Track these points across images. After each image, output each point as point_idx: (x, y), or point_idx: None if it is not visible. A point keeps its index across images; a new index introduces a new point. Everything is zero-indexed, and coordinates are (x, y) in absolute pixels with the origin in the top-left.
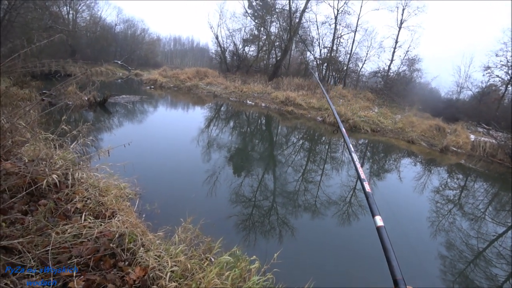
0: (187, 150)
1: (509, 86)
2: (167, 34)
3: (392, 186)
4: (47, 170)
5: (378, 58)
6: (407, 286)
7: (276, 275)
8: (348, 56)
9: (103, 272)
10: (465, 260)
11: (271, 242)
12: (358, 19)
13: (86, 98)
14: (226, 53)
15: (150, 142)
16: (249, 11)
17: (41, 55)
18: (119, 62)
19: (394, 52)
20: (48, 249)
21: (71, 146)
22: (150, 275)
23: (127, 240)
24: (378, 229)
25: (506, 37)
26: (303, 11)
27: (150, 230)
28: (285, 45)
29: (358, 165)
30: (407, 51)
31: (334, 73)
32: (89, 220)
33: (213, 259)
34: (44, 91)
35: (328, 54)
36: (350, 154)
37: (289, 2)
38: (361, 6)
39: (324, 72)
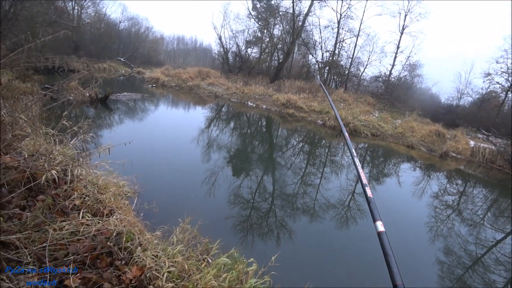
0: (187, 150)
1: (509, 93)
2: (171, 33)
3: (391, 191)
4: (46, 165)
5: (380, 63)
6: None
7: (273, 278)
8: (350, 60)
9: (100, 271)
10: (463, 266)
11: (269, 245)
12: (361, 23)
13: (88, 94)
14: (229, 54)
15: (150, 141)
16: (253, 13)
17: (45, 50)
18: (122, 59)
19: (395, 57)
20: (45, 246)
21: (71, 142)
22: (147, 275)
23: (124, 239)
24: (379, 234)
25: (506, 44)
26: (307, 14)
27: (148, 229)
28: (288, 48)
29: (361, 170)
30: (409, 57)
31: (335, 77)
32: (87, 218)
33: (210, 261)
34: (46, 86)
35: (330, 58)
36: (353, 159)
37: (293, 5)
38: (364, 11)
39: (325, 75)
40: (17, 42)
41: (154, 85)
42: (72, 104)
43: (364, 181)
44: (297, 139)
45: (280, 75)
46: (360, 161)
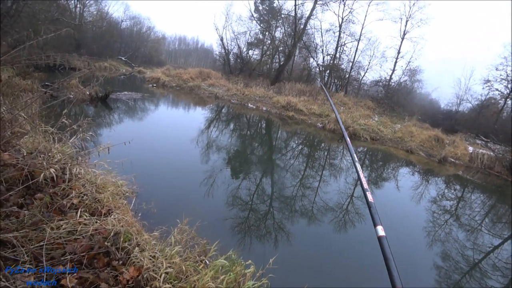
0: (186, 150)
1: (508, 99)
2: (173, 33)
3: (389, 195)
4: (45, 163)
5: (380, 67)
6: None
7: (271, 281)
8: (351, 64)
9: (97, 271)
10: (461, 271)
11: (267, 247)
12: (362, 28)
13: (88, 93)
14: (230, 55)
15: (149, 140)
16: (255, 15)
17: (46, 47)
18: (123, 58)
19: (396, 62)
20: (42, 245)
21: (70, 141)
22: (144, 276)
23: (122, 239)
24: (379, 239)
25: (506, 51)
26: (308, 17)
27: (146, 229)
28: (289, 51)
29: (362, 175)
30: (409, 62)
31: (336, 80)
32: (85, 217)
33: (208, 262)
34: (46, 83)
35: (331, 61)
36: (354, 165)
37: (295, 8)
38: (366, 16)
39: (326, 79)
40: (19, 39)
41: (155, 85)
42: (72, 102)
43: (365, 186)
44: (296, 142)
45: (280, 78)
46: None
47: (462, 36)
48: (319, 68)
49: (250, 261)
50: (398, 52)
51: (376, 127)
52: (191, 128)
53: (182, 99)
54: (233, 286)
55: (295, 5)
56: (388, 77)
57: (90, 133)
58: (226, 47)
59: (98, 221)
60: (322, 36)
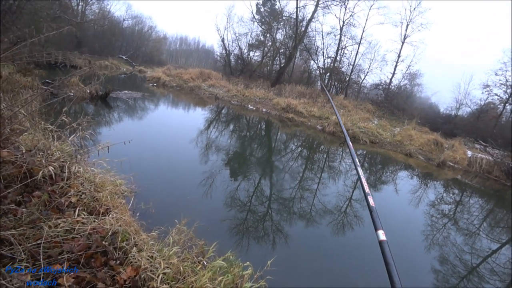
0: (185, 151)
1: (507, 104)
2: (174, 33)
3: (388, 198)
4: (43, 161)
5: (380, 71)
6: None
7: (269, 283)
8: (351, 67)
9: (94, 270)
10: (459, 275)
11: (265, 249)
12: (363, 31)
13: (88, 91)
14: (231, 56)
15: (148, 140)
16: (256, 16)
17: (47, 45)
18: (124, 57)
19: (396, 66)
20: (40, 243)
21: (70, 139)
22: (142, 276)
23: (119, 239)
24: (380, 243)
25: (506, 57)
26: (310, 20)
27: (144, 229)
28: (290, 53)
29: (363, 179)
30: (409, 66)
31: (336, 83)
32: (83, 216)
33: (206, 263)
34: (47, 81)
35: (332, 64)
36: (356, 169)
37: (296, 11)
38: (367, 19)
39: (326, 81)
40: (20, 36)
41: (155, 84)
42: (72, 100)
43: (367, 189)
44: (296, 144)
45: (281, 80)
46: None
47: (462, 36)
48: (319, 71)
49: (248, 262)
50: (398, 56)
51: (375, 130)
52: (190, 129)
53: (182, 99)
54: None
55: (297, 7)
56: (388, 81)
57: (90, 131)
58: (227, 48)
59: (96, 220)
60: (323, 38)
